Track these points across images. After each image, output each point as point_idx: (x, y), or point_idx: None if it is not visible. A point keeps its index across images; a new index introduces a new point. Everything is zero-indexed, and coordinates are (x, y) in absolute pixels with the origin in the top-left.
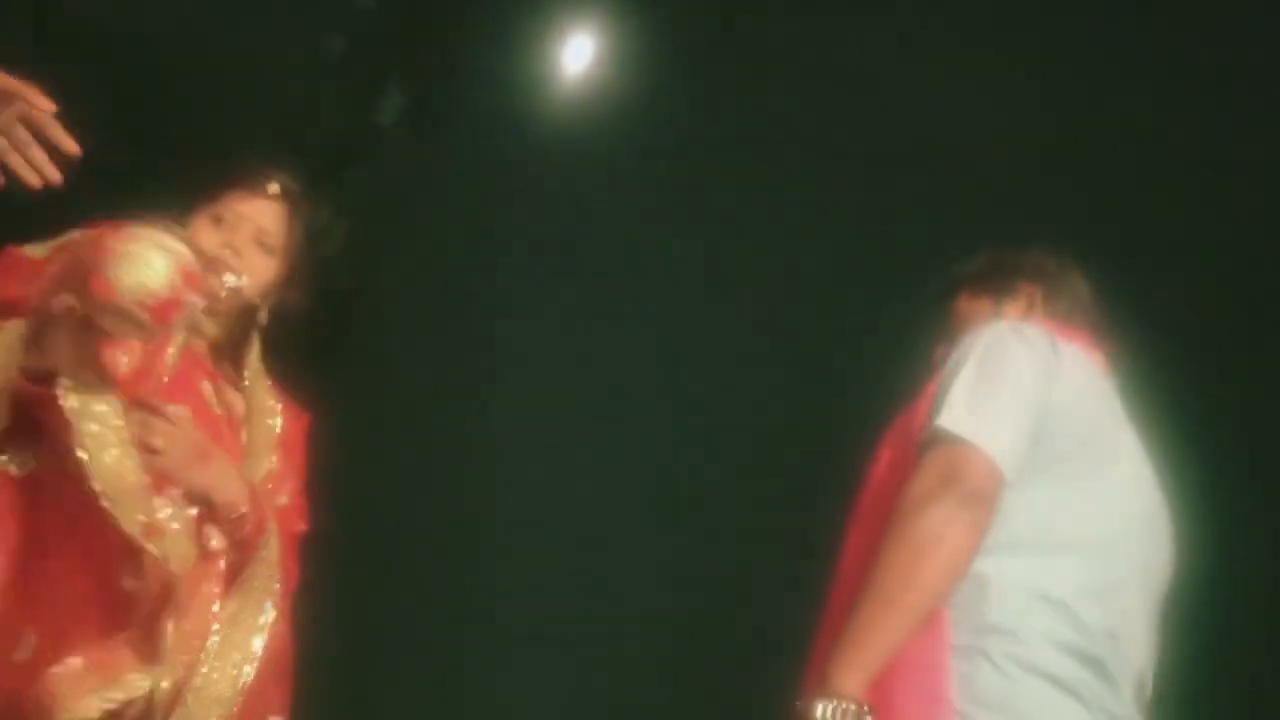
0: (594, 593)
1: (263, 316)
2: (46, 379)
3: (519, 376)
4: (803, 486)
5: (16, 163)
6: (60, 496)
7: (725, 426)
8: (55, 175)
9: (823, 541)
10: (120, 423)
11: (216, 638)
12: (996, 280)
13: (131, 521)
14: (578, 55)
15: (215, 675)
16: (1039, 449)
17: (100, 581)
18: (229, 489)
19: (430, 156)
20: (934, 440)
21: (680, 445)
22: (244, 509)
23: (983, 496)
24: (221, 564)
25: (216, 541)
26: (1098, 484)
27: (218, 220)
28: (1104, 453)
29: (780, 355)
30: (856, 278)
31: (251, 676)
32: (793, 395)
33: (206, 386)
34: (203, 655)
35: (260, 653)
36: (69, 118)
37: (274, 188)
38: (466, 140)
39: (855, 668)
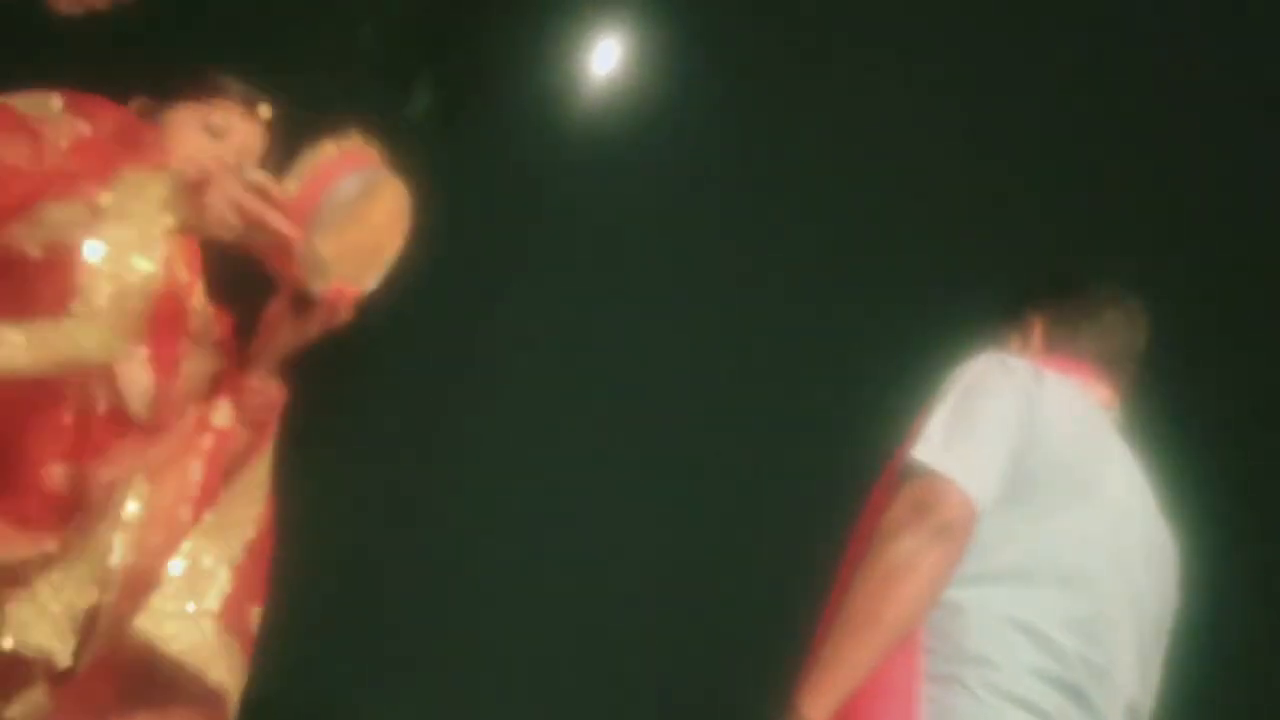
0: (592, 603)
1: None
2: None
3: (541, 378)
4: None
5: None
6: None
7: (752, 437)
8: None
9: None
10: None
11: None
12: (1011, 308)
13: None
14: (606, 57)
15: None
16: (1018, 480)
17: None
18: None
19: (458, 155)
20: (909, 472)
21: (702, 449)
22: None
23: (954, 529)
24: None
25: (223, 418)
26: (1078, 515)
27: (210, 130)
28: (1086, 485)
29: (807, 360)
30: (885, 282)
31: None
32: (815, 409)
33: None
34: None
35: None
36: None
37: (265, 111)
38: (495, 140)
39: (821, 694)
